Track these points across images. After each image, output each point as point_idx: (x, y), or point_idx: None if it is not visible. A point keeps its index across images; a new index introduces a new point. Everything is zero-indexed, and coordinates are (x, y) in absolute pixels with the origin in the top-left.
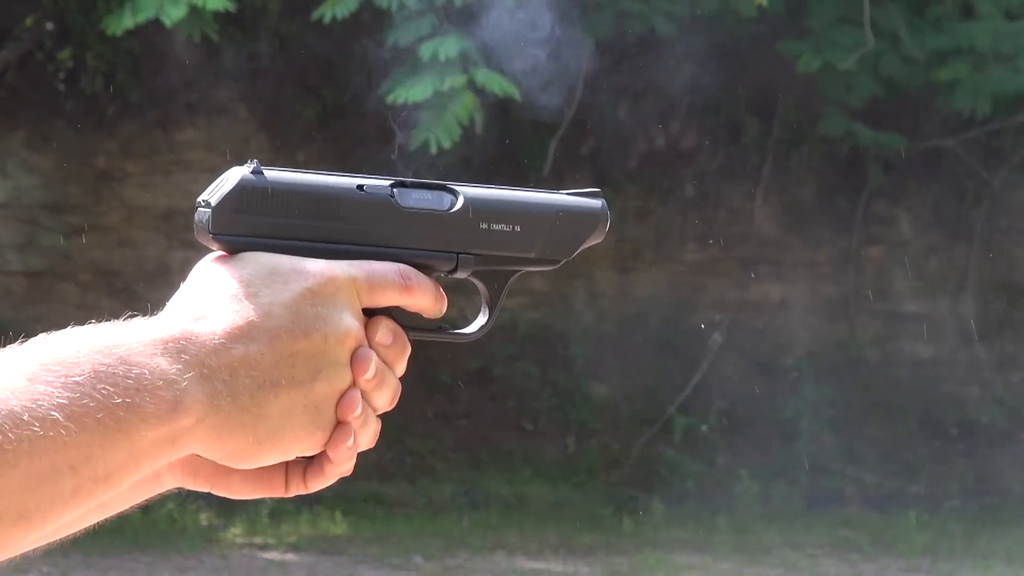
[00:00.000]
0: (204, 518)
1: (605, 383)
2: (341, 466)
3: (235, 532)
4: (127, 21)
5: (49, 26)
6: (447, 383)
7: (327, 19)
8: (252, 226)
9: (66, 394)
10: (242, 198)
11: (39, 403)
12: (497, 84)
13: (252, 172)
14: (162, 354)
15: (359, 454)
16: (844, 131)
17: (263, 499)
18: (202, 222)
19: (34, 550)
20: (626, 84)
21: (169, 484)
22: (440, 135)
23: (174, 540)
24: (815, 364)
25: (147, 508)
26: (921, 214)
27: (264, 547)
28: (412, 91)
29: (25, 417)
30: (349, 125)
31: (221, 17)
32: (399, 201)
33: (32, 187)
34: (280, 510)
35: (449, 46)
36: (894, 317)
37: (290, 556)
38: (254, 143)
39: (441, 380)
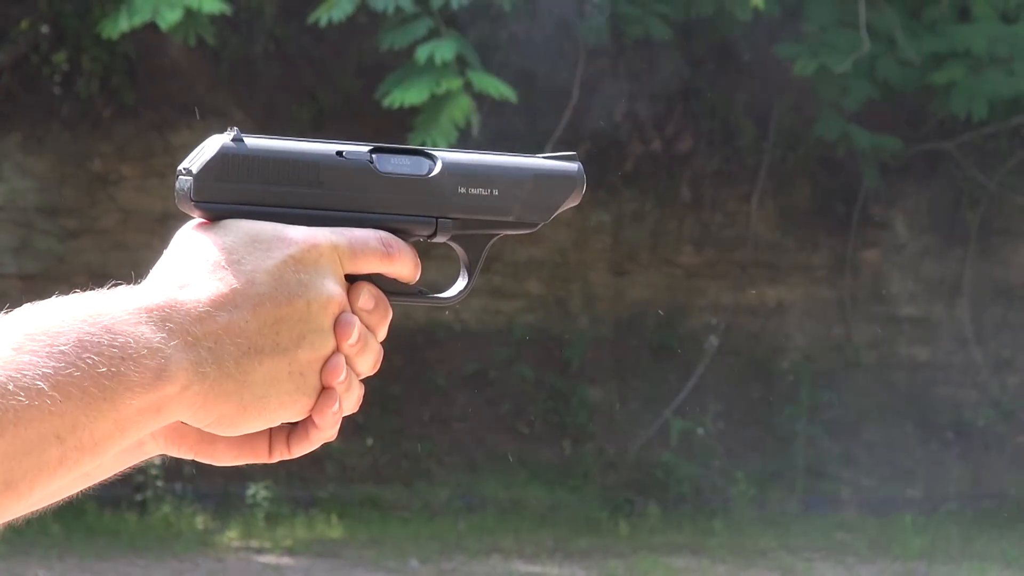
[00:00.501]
0: (200, 521)
1: (601, 386)
2: (326, 431)
3: (231, 535)
4: (123, 24)
5: (44, 29)
6: (443, 386)
7: (323, 22)
8: (233, 193)
9: (51, 364)
10: (223, 165)
11: (24, 373)
12: (493, 87)
13: (232, 140)
14: (146, 322)
15: (356, 458)
16: (840, 134)
17: (259, 503)
18: (183, 190)
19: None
20: (622, 87)
21: (152, 452)
22: (436, 138)
23: (170, 543)
24: (811, 367)
25: (143, 511)
26: (917, 217)
27: (260, 550)
28: (408, 94)
29: (10, 387)
30: (345, 128)
31: (217, 20)
32: (378, 167)
33: (27, 190)
34: (276, 513)
35: (445, 49)
36: (890, 320)
37: (286, 559)
38: None
39: (437, 383)
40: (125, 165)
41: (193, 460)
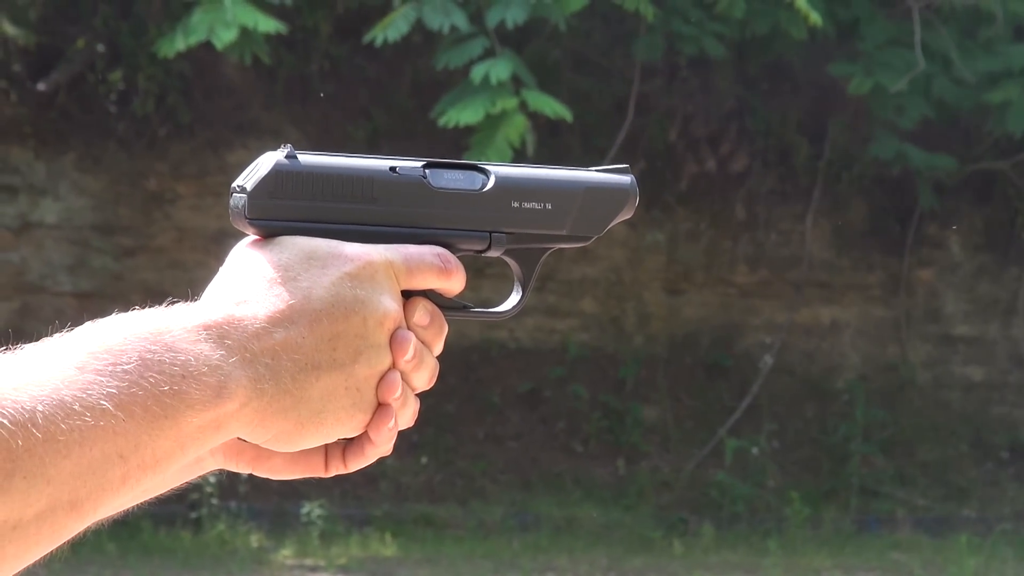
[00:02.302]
0: (255, 539)
1: (655, 405)
2: (381, 447)
3: (285, 554)
4: (179, 44)
5: (100, 48)
6: (497, 404)
7: (378, 42)
8: (287, 210)
9: (115, 383)
10: (277, 183)
11: (89, 392)
12: (548, 106)
13: (286, 157)
14: (206, 340)
15: (411, 477)
16: (895, 153)
17: (313, 521)
18: (238, 207)
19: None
20: (676, 106)
21: (210, 467)
22: (491, 157)
23: (225, 561)
24: (866, 386)
25: (198, 529)
26: (972, 237)
27: (315, 568)
28: (463, 113)
29: (76, 407)
30: (399, 146)
31: (272, 39)
32: (431, 182)
33: (83, 208)
34: (331, 532)
35: (500, 68)
36: (945, 340)
37: None
38: None
39: (491, 402)
40: (180, 184)
41: (249, 477)
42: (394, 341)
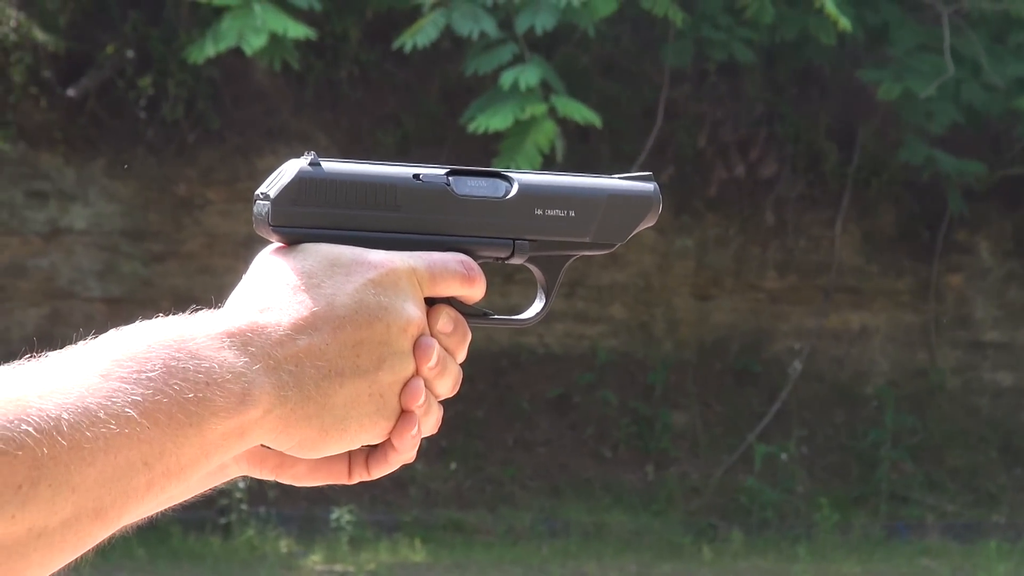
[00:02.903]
0: (284, 545)
1: (684, 411)
2: (405, 454)
3: (315, 559)
4: (208, 50)
5: (130, 54)
6: (526, 410)
7: (408, 48)
8: (311, 217)
9: (139, 390)
10: (300, 190)
11: (114, 400)
12: (577, 112)
13: (310, 164)
14: (229, 347)
15: (440, 483)
16: (924, 159)
17: (343, 527)
18: (261, 214)
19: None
20: (705, 111)
21: (234, 473)
22: (521, 163)
23: (254, 567)
24: (895, 392)
25: (227, 535)
26: (1002, 242)
27: (344, 574)
28: (493, 120)
29: (101, 415)
30: (429, 152)
31: (302, 45)
32: (455, 189)
33: (113, 214)
34: (360, 537)
35: (529, 74)
36: (974, 345)
37: None
38: None
39: (521, 407)
40: (210, 189)
41: (277, 484)
42: (418, 348)
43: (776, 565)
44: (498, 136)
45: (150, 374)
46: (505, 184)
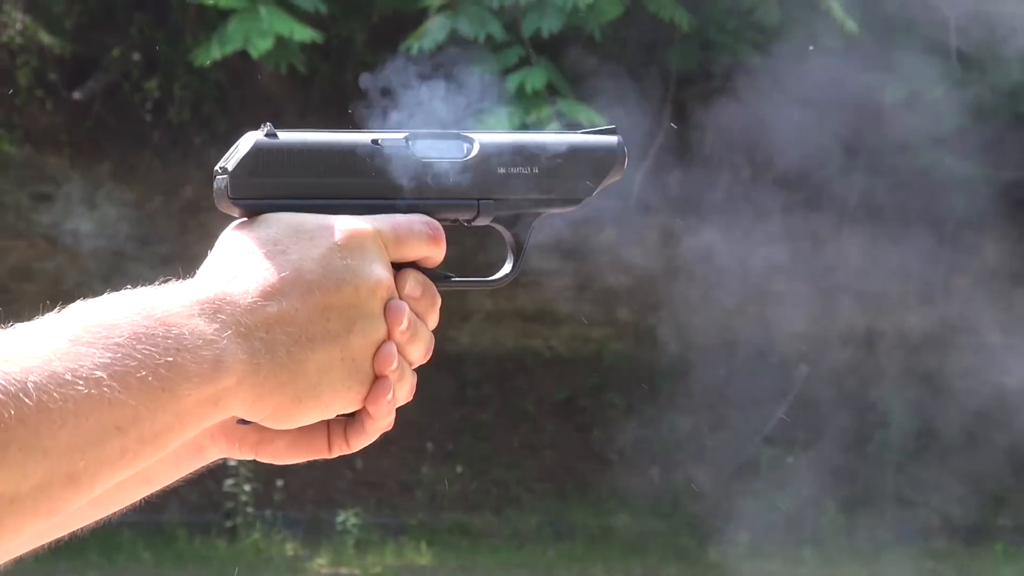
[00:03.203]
0: (290, 548)
1: (691, 414)
2: (381, 421)
3: (320, 562)
4: (215, 53)
5: (136, 57)
6: (532, 413)
7: (414, 51)
8: (270, 188)
9: (107, 355)
10: (258, 161)
11: (81, 363)
12: (584, 115)
13: (266, 135)
14: (199, 315)
15: (445, 486)
16: (930, 161)
17: (348, 530)
18: (221, 188)
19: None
20: (712, 115)
21: (213, 455)
22: None
23: (260, 570)
24: (901, 396)
25: (233, 538)
26: (1008, 244)
27: None
28: (500, 123)
29: (68, 377)
30: None
31: (307, 48)
32: (415, 152)
33: (119, 218)
34: (366, 540)
35: (536, 77)
36: (981, 348)
37: None
38: None
39: (526, 410)
40: None
41: (284, 485)
42: (388, 311)
43: (782, 568)
44: None
45: (118, 339)
46: (466, 144)
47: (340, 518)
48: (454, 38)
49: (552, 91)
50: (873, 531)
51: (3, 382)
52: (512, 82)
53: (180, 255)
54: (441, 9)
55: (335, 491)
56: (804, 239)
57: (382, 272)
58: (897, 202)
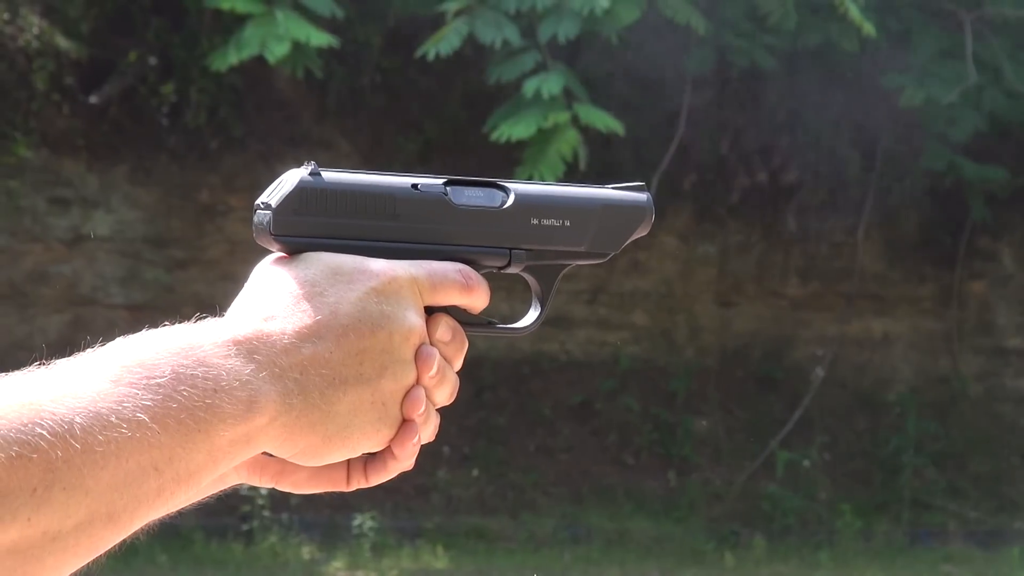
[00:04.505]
0: (306, 551)
1: (707, 417)
2: (404, 462)
3: (337, 565)
4: (231, 58)
5: (152, 61)
6: (548, 417)
7: (431, 56)
8: (311, 227)
9: (149, 396)
10: (301, 199)
11: (124, 405)
12: (600, 120)
13: (310, 174)
14: (236, 355)
15: (462, 489)
16: (947, 165)
17: (365, 533)
18: (262, 224)
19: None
20: (728, 119)
21: (233, 481)
22: (544, 172)
23: (277, 573)
24: (917, 399)
25: (250, 541)
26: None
27: None
28: (516, 128)
29: (113, 419)
30: (451, 159)
31: (324, 52)
32: (452, 199)
33: (135, 221)
34: (382, 544)
35: (552, 83)
36: (997, 352)
37: None
38: None
39: (543, 414)
40: (232, 196)
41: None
42: (419, 357)
43: (798, 571)
44: (521, 144)
45: (159, 380)
46: (502, 194)
47: (356, 521)
48: (471, 43)
49: (569, 96)
50: (889, 535)
51: (51, 423)
52: (529, 87)
53: (196, 258)
54: (458, 14)
55: (351, 494)
56: (821, 242)
57: (416, 319)
58: (914, 206)
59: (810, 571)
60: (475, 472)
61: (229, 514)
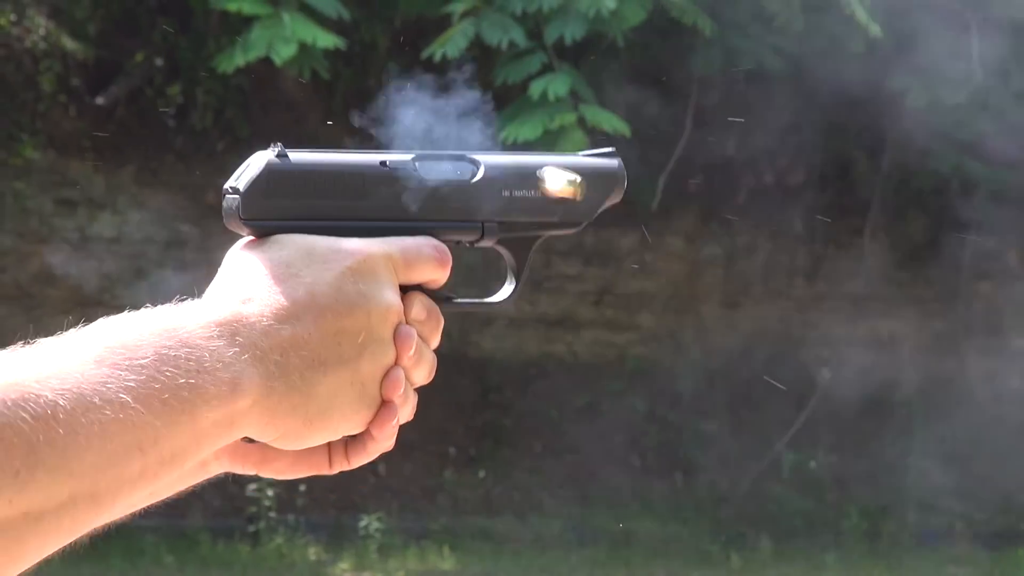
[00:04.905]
0: (313, 552)
1: (713, 419)
2: (384, 443)
3: (343, 567)
4: (238, 60)
5: (159, 62)
6: (555, 418)
7: (437, 58)
8: (281, 209)
9: (133, 377)
10: (269, 182)
11: (108, 385)
12: (607, 121)
13: (277, 155)
14: (218, 336)
15: (468, 490)
16: (953, 166)
17: (371, 534)
18: (231, 208)
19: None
20: (735, 120)
21: (215, 470)
22: None
23: (282, 574)
24: (924, 400)
25: (256, 542)
26: None
27: None
28: (523, 129)
29: (96, 400)
30: None
31: (331, 54)
32: (422, 174)
33: (141, 222)
34: (388, 545)
35: (559, 84)
36: (1004, 353)
37: None
38: None
39: (549, 415)
40: None
41: (307, 490)
42: (398, 337)
43: (805, 573)
44: (527, 146)
45: (142, 361)
46: (471, 167)
47: (363, 522)
48: (477, 44)
49: (575, 97)
50: (896, 536)
51: (33, 406)
52: (535, 88)
53: (203, 260)
54: (464, 15)
55: (358, 495)
56: (828, 243)
57: (393, 297)
58: (921, 207)
59: (816, 572)
60: (481, 473)
61: (235, 515)
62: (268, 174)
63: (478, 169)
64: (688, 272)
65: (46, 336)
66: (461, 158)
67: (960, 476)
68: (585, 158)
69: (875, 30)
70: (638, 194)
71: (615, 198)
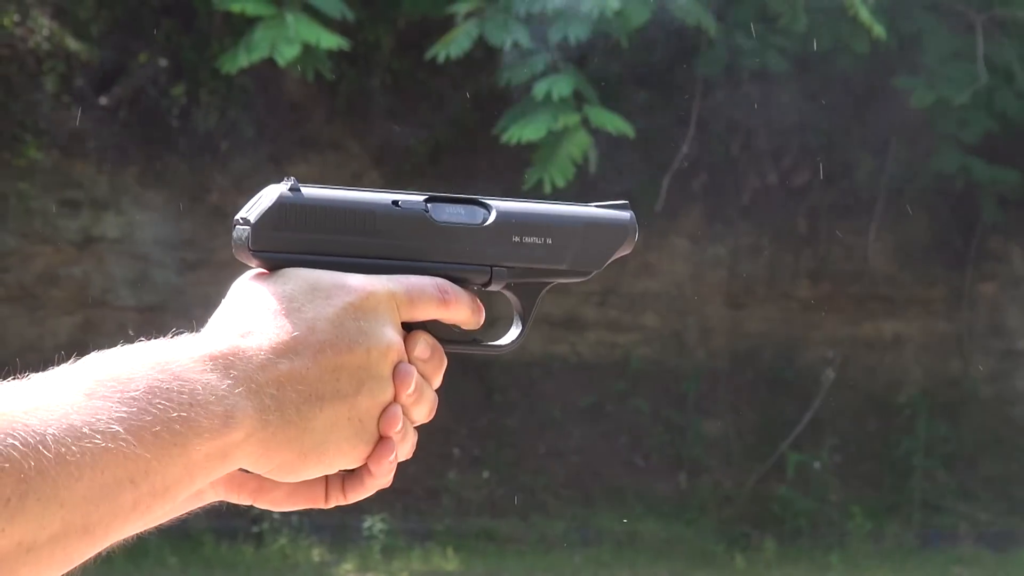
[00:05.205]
0: (316, 553)
1: (717, 419)
2: (381, 479)
3: (347, 568)
4: (242, 60)
5: (163, 63)
6: (559, 419)
7: (441, 58)
8: (290, 242)
9: (124, 409)
10: (280, 215)
11: (98, 417)
12: (611, 122)
13: (289, 189)
14: (212, 370)
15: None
16: (958, 167)
17: (375, 535)
18: (241, 239)
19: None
20: (738, 120)
21: (211, 498)
22: (554, 174)
23: (286, 575)
24: (928, 401)
25: (260, 543)
26: None
27: None
28: (526, 130)
29: (86, 431)
30: (461, 161)
31: (334, 54)
32: (433, 216)
33: (145, 223)
34: (392, 546)
35: (563, 85)
36: (1008, 354)
37: None
38: (366, 178)
39: (553, 416)
40: (242, 198)
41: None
42: (397, 375)
43: (809, 574)
44: (531, 146)
45: (133, 393)
46: (483, 211)
47: (367, 524)
48: (481, 44)
49: (579, 98)
50: (900, 537)
51: (23, 434)
52: (539, 89)
53: (206, 260)
54: (468, 16)
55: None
56: (832, 244)
57: (393, 335)
58: (925, 208)
59: (821, 573)
60: (485, 474)
61: (239, 516)
62: (279, 207)
63: (490, 214)
64: (692, 272)
65: (50, 336)
66: (473, 202)
67: (964, 477)
68: (597, 209)
69: (878, 31)
70: (642, 195)
71: (625, 250)
